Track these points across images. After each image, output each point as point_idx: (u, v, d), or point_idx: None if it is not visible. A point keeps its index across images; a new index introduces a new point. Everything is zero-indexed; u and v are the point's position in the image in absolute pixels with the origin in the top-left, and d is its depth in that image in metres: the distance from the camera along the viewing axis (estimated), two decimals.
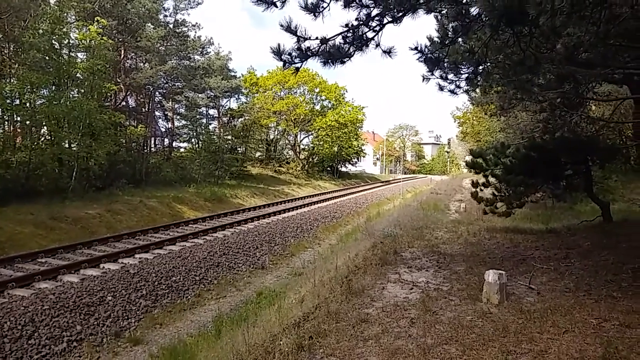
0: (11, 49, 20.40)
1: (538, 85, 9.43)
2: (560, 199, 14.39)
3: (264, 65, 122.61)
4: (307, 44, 5.89)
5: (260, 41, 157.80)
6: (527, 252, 9.57)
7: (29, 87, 18.95)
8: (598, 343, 4.81)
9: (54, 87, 20.13)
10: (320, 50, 5.94)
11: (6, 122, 20.69)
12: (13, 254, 12.12)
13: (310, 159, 49.79)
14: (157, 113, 34.22)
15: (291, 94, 46.10)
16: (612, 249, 8.79)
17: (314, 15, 5.69)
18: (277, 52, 5.92)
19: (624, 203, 14.80)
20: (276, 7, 5.71)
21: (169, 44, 29.44)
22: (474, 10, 5.86)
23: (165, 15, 30.06)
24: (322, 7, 5.67)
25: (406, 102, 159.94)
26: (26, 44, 18.54)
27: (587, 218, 11.96)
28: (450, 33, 6.68)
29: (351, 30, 5.95)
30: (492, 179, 12.06)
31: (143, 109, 30.62)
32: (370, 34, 6.05)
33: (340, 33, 5.93)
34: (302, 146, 51.34)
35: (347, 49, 6.02)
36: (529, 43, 6.15)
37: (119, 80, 25.93)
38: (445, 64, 7.67)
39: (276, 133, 48.27)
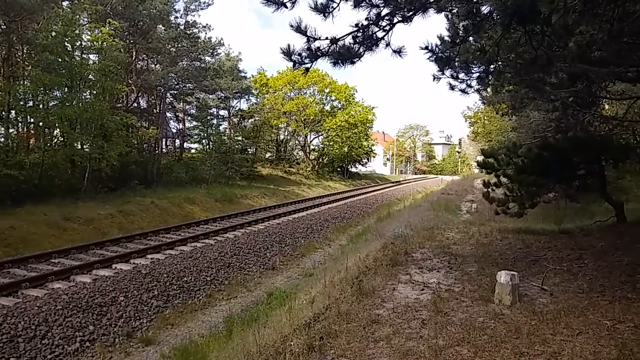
0: (25, 50, 20.65)
1: (550, 84, 9.32)
2: (573, 199, 14.19)
3: (273, 66, 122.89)
4: (317, 44, 5.87)
5: (268, 42, 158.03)
6: (539, 252, 9.47)
7: (42, 88, 19.20)
8: (612, 345, 4.75)
9: (66, 88, 20.39)
10: (330, 50, 5.91)
11: (20, 124, 20.97)
12: (27, 254, 12.27)
13: (320, 160, 49.79)
14: (168, 114, 34.51)
15: (301, 94, 46.16)
16: (627, 250, 8.66)
17: (324, 15, 5.67)
18: (287, 53, 5.91)
19: (638, 203, 14.58)
20: (286, 7, 5.70)
21: (179, 45, 29.57)
22: (485, 9, 5.80)
23: (176, 17, 30.23)
24: (332, 7, 5.65)
25: (417, 102, 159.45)
26: (39, 46, 18.77)
27: (601, 218, 11.80)
28: (461, 32, 6.63)
29: (361, 30, 5.92)
30: (503, 179, 11.92)
31: (154, 110, 30.83)
32: (380, 34, 6.01)
33: (350, 33, 5.90)
34: (312, 147, 51.34)
35: (357, 49, 5.99)
36: (541, 41, 6.08)
37: (130, 82, 26.13)
38: (456, 63, 7.59)
39: (286, 134, 48.35)
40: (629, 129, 13.55)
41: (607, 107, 16.32)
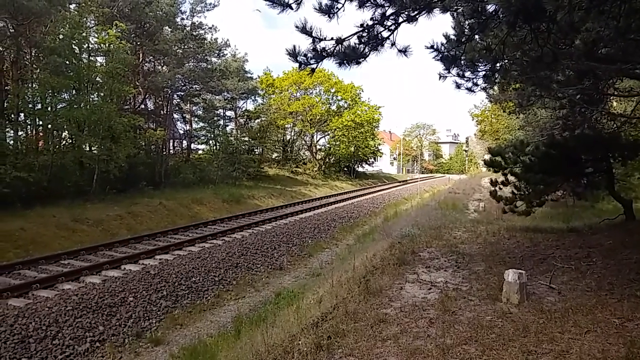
0: (33, 54, 20.82)
1: (557, 82, 9.29)
2: (581, 197, 14.16)
3: (278, 66, 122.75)
4: (322, 44, 5.88)
5: (273, 42, 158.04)
6: (547, 251, 9.44)
7: (50, 91, 19.34)
8: (621, 343, 4.73)
9: (74, 91, 20.56)
10: (335, 50, 5.93)
11: (29, 126, 21.12)
12: (37, 255, 12.38)
13: (327, 160, 49.75)
14: (175, 115, 34.66)
15: (307, 94, 46.10)
16: (635, 248, 8.61)
17: (329, 16, 5.69)
18: (293, 54, 5.93)
19: None
20: (291, 9, 5.72)
21: (186, 46, 29.67)
22: (490, 7, 5.79)
23: (183, 18, 30.30)
24: (337, 8, 5.66)
25: (423, 101, 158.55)
26: (47, 49, 18.91)
27: (609, 216, 11.75)
28: (466, 31, 6.62)
29: (366, 30, 5.93)
30: (511, 178, 11.90)
31: (161, 112, 30.98)
32: (385, 34, 6.01)
33: (355, 33, 5.91)
34: (318, 146, 51.29)
35: (362, 49, 6.00)
36: (547, 39, 6.06)
37: (137, 84, 26.28)
38: (462, 62, 7.57)
39: (293, 134, 48.34)
40: (638, 126, 13.45)
41: (615, 104, 16.22)
